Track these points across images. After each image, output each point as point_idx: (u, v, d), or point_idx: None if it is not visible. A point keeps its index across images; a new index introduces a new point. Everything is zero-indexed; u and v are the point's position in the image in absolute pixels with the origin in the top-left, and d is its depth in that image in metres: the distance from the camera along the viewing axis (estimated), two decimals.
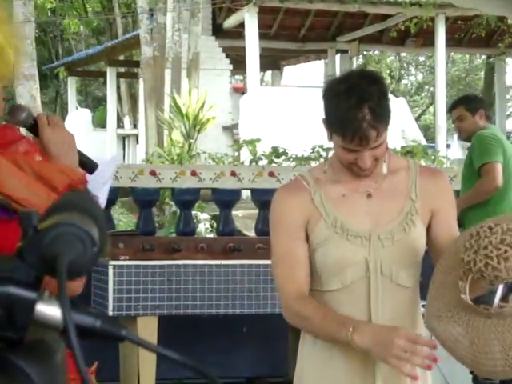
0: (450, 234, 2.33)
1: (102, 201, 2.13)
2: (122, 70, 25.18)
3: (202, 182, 5.82)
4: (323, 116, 2.27)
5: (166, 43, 15.95)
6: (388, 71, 33.84)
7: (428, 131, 28.30)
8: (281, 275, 2.30)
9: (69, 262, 0.99)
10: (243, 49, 16.85)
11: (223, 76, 18.45)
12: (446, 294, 2.14)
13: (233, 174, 5.86)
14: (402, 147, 9.62)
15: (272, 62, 22.74)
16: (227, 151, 9.01)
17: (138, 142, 21.06)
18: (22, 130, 1.88)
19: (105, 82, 24.38)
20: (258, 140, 7.37)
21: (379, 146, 2.20)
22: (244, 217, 10.62)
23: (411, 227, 2.28)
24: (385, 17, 18.26)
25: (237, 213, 10.01)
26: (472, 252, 2.01)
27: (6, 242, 1.33)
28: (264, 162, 6.74)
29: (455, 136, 19.07)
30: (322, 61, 24.28)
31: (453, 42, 19.06)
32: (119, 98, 25.24)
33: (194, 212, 7.55)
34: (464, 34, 19.31)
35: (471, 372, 4.66)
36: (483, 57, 27.03)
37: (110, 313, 4.49)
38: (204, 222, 9.12)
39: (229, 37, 18.76)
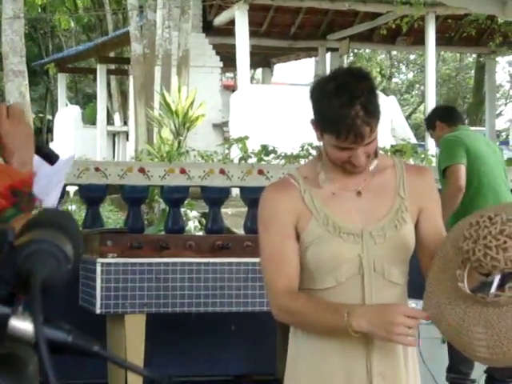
0: (437, 231, 2.35)
1: (55, 198, 2.16)
2: (113, 66, 25.15)
3: (190, 179, 5.81)
4: (312, 117, 2.27)
5: (155, 40, 15.92)
6: (379, 69, 33.89)
7: (418, 130, 28.35)
8: (270, 272, 2.30)
9: (42, 279, 1.03)
10: (233, 46, 16.84)
11: (213, 73, 18.43)
12: (444, 283, 2.17)
13: (222, 171, 5.85)
14: (392, 146, 9.63)
15: (262, 59, 22.74)
16: (217, 149, 9.00)
17: (128, 139, 21.02)
18: None
19: (95, 79, 24.35)
20: (247, 137, 7.35)
21: (371, 142, 2.22)
22: (234, 215, 10.62)
23: (402, 224, 2.30)
24: (375, 15, 18.28)
25: (226, 210, 10.00)
26: (471, 241, 2.03)
27: None
28: (253, 159, 6.73)
29: None
30: (313, 59, 24.31)
31: (443, 40, 19.09)
32: (109, 95, 25.20)
33: (183, 210, 7.53)
34: (454, 32, 19.34)
35: (485, 371, 4.67)
36: (474, 55, 27.10)
37: (98, 310, 4.47)
38: (193, 219, 9.11)
39: (219, 34, 18.74)
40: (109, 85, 24.67)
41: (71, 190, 8.26)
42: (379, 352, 2.24)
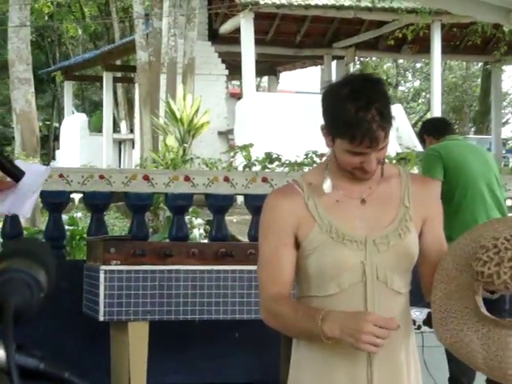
0: (439, 242, 2.35)
1: (29, 208, 2.18)
2: (119, 74, 25.20)
3: (195, 187, 5.81)
4: (322, 122, 2.26)
5: (161, 48, 15.96)
6: (385, 77, 33.89)
7: None
8: (263, 278, 2.32)
9: (15, 307, 1.05)
10: (239, 54, 16.87)
11: (219, 81, 18.47)
12: (453, 304, 2.17)
13: (226, 179, 5.85)
14: (397, 153, 9.63)
15: (268, 67, 22.78)
16: (222, 157, 9.01)
17: (134, 147, 21.05)
18: None
19: (101, 87, 24.39)
20: (251, 145, 7.36)
21: (383, 148, 2.22)
22: (239, 222, 10.62)
23: (406, 233, 2.29)
24: (381, 23, 18.30)
25: (231, 218, 10.02)
26: (493, 265, 2.03)
27: None
28: (257, 167, 6.73)
29: None
30: (319, 67, 24.31)
31: (448, 49, 19.10)
32: (116, 103, 25.25)
33: (188, 217, 7.54)
34: (460, 41, 19.35)
35: (487, 381, 4.65)
36: (480, 64, 27.08)
37: (101, 318, 4.47)
38: (198, 227, 9.11)
39: (225, 42, 18.78)
40: (115, 93, 24.73)
41: (76, 197, 8.27)
42: (381, 360, 2.24)
